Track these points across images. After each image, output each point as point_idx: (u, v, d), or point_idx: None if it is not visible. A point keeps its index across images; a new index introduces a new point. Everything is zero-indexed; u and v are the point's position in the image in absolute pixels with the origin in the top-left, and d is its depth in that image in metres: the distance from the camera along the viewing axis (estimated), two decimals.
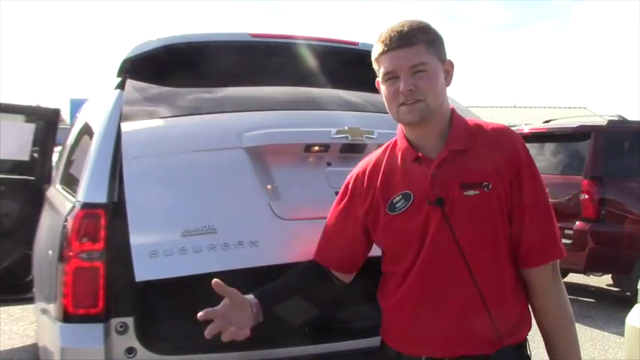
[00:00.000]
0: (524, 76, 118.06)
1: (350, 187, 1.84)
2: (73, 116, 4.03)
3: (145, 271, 1.98)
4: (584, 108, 42.11)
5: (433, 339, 1.67)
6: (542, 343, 1.75)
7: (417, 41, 1.64)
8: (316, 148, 2.29)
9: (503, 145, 1.67)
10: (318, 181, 2.28)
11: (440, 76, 1.67)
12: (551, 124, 7.70)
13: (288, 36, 2.66)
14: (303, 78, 2.63)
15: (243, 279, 1.91)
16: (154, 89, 2.47)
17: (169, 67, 2.51)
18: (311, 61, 2.59)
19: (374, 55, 1.73)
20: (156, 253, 2.00)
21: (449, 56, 1.74)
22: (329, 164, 2.34)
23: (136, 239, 2.01)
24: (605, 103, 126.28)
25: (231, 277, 1.82)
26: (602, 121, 7.05)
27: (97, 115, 2.58)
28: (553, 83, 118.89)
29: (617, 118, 7.35)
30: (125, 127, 2.20)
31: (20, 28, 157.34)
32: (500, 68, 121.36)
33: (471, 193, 1.62)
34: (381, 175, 1.75)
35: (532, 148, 7.38)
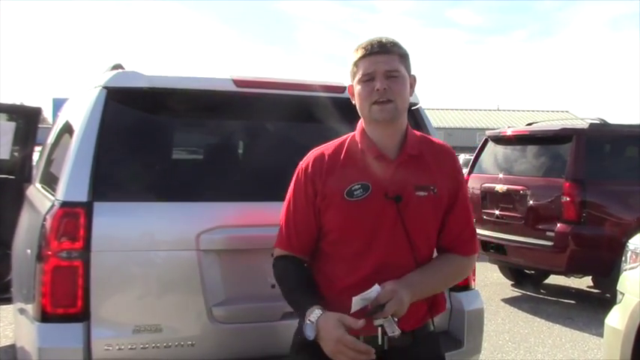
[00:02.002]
0: (508, 80, 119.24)
1: (308, 172, 1.94)
2: (55, 115, 3.99)
3: None
4: (567, 111, 42.69)
5: None
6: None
7: (393, 52, 1.89)
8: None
9: (447, 163, 2.00)
10: (259, 276, 2.43)
11: (407, 85, 1.92)
12: (533, 127, 7.73)
13: (271, 84, 2.62)
14: (278, 139, 2.70)
15: None
16: (128, 146, 2.46)
17: (146, 111, 2.49)
18: (291, 115, 2.59)
19: (353, 60, 1.91)
20: (110, 347, 2.19)
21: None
22: (273, 255, 2.42)
23: (95, 332, 2.16)
24: (587, 106, 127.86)
25: None
26: (583, 124, 7.08)
27: (78, 113, 2.56)
28: (536, 87, 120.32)
29: (598, 122, 7.39)
30: (97, 210, 2.21)
31: (5, 28, 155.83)
32: (485, 72, 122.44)
33: (422, 193, 1.90)
34: (339, 164, 1.92)
35: (515, 151, 7.48)
